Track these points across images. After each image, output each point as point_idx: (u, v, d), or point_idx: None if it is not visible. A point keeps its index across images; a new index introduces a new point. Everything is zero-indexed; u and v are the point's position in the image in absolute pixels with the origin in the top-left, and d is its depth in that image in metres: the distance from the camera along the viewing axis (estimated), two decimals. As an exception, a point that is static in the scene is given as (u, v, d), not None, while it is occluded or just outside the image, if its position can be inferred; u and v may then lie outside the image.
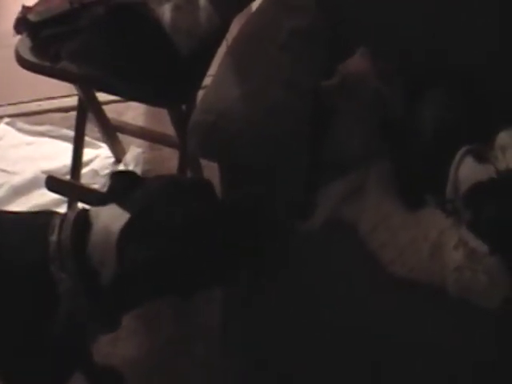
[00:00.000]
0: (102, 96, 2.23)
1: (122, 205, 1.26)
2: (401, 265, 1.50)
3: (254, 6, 1.93)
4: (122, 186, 1.34)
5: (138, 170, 2.39)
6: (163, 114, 2.02)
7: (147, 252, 1.19)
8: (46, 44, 1.79)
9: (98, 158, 2.49)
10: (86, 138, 2.35)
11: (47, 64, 1.78)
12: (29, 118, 2.68)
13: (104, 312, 1.25)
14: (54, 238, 1.23)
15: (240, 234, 1.31)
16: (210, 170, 1.74)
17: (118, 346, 1.94)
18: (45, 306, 1.23)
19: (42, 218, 1.31)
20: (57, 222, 1.26)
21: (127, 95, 2.01)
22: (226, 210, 1.32)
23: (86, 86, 2.09)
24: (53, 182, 2.18)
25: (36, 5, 1.87)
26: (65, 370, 1.34)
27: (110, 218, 1.24)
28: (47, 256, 1.22)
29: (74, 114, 2.26)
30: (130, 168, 2.40)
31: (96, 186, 2.34)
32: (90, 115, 2.26)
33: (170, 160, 2.30)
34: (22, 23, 1.82)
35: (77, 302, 1.22)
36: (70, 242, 1.22)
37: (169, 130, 2.05)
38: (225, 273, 1.33)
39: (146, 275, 1.19)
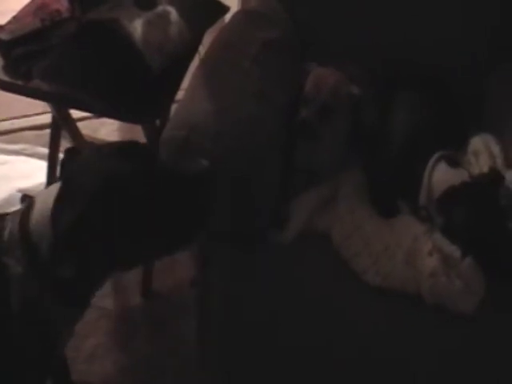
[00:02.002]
0: (76, 113, 2.24)
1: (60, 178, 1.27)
2: (375, 273, 1.52)
3: (227, 17, 1.96)
4: (67, 161, 1.35)
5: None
6: (138, 129, 2.04)
7: (69, 215, 1.16)
8: (18, 62, 1.81)
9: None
10: (61, 155, 2.37)
11: (19, 82, 1.80)
12: (3, 136, 2.68)
13: (59, 288, 1.22)
14: (6, 230, 1.23)
15: (180, 198, 1.27)
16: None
17: (94, 363, 1.94)
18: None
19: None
20: (9, 217, 1.26)
21: (99, 112, 2.04)
22: (163, 171, 1.27)
23: (59, 104, 2.10)
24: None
25: (8, 23, 1.89)
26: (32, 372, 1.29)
27: (48, 192, 1.24)
28: (1, 250, 1.22)
29: (48, 131, 2.28)
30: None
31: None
32: (65, 132, 2.28)
33: None
34: (-6, 42, 1.83)
35: (28, 286, 1.20)
36: (17, 227, 1.22)
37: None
38: (166, 240, 1.29)
39: (74, 239, 1.17)
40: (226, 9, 2.01)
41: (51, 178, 2.28)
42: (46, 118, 2.45)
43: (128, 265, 1.31)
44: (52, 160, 2.28)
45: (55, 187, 1.24)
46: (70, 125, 2.28)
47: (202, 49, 1.88)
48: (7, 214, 1.30)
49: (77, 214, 1.17)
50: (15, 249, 1.21)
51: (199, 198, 1.29)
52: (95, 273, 1.26)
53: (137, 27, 1.76)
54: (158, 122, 1.89)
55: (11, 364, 1.24)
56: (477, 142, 1.71)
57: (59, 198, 1.21)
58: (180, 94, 1.74)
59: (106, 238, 1.20)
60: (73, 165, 1.28)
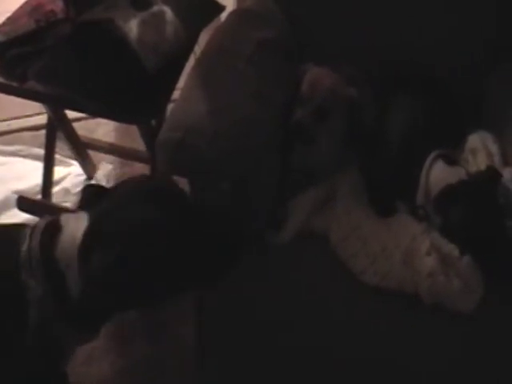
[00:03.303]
0: (72, 113, 2.26)
1: (91, 213, 1.29)
2: (373, 273, 1.53)
3: (224, 16, 1.96)
4: (92, 196, 1.37)
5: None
6: (134, 129, 2.06)
7: (104, 257, 1.20)
8: (13, 64, 1.82)
9: (70, 175, 2.51)
10: (57, 156, 2.39)
11: (14, 84, 1.81)
12: (-2, 138, 2.69)
13: (75, 316, 1.26)
14: (24, 246, 1.25)
15: (212, 238, 1.32)
16: (183, 185, 1.77)
17: (92, 365, 1.95)
18: (16, 317, 1.24)
19: (13, 229, 1.33)
20: (28, 231, 1.28)
21: (95, 113, 2.05)
22: (195, 212, 1.33)
23: (54, 105, 2.11)
24: (24, 202, 2.20)
25: (2, 25, 1.90)
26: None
27: (77, 223, 1.26)
28: (18, 265, 1.24)
29: (44, 132, 2.29)
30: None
31: (68, 205, 2.37)
32: (61, 133, 2.29)
33: None
34: (-12, 44, 1.84)
35: (46, 309, 1.23)
36: (39, 248, 1.24)
37: (140, 145, 2.07)
38: (199, 279, 1.34)
39: (105, 279, 1.20)
40: (221, 8, 2.01)
41: (47, 180, 2.30)
42: (42, 119, 2.46)
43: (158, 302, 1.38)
44: (48, 161, 2.29)
45: (84, 220, 1.26)
46: (66, 126, 2.30)
47: (198, 48, 1.88)
48: (22, 226, 1.32)
49: (115, 255, 1.20)
50: (36, 270, 1.23)
51: (228, 236, 1.35)
52: (114, 308, 1.31)
53: (132, 27, 1.77)
54: (154, 122, 1.90)
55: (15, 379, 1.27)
56: (474, 140, 1.72)
57: (88, 235, 1.24)
58: (176, 94, 1.74)
59: (141, 280, 1.23)
60: (103, 203, 1.30)
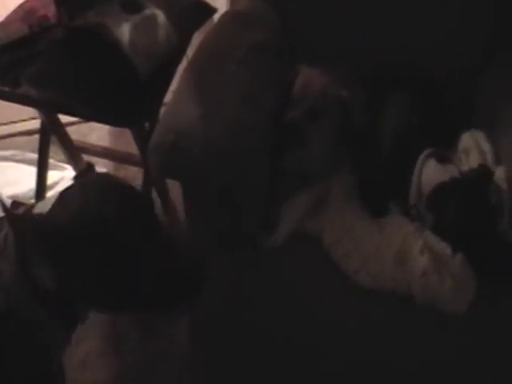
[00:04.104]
0: (65, 118, 2.26)
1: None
2: (365, 274, 1.54)
3: (216, 18, 1.98)
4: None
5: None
6: (127, 133, 2.06)
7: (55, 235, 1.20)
8: (6, 69, 1.84)
9: (64, 180, 2.51)
10: (51, 161, 2.40)
11: (7, 89, 1.83)
12: (-8, 142, 2.70)
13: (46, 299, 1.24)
14: (3, 233, 1.26)
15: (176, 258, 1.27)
16: (177, 188, 1.79)
17: (86, 370, 1.96)
18: None
19: None
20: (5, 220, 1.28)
21: (88, 117, 2.07)
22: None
23: (47, 110, 2.13)
24: (18, 207, 2.22)
25: (-5, 30, 1.92)
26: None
27: (45, 203, 1.26)
28: None
29: (38, 137, 2.30)
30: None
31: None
32: (54, 138, 2.31)
33: (135, 179, 2.30)
34: (-19, 50, 1.85)
35: (16, 291, 1.23)
36: (13, 232, 1.24)
37: (134, 148, 2.09)
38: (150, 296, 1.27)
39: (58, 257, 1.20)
40: (213, 10, 2.04)
41: (41, 184, 2.31)
42: (36, 124, 2.46)
43: (107, 308, 1.33)
44: (41, 166, 2.31)
45: (53, 199, 1.26)
46: (59, 130, 2.31)
47: (191, 51, 1.89)
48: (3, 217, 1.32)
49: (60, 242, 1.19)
50: (9, 252, 1.24)
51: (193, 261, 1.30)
52: (76, 298, 1.28)
53: (124, 32, 1.79)
54: (146, 125, 1.92)
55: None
56: (467, 139, 1.73)
57: (50, 213, 1.24)
58: (169, 96, 1.75)
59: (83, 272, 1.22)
60: (73, 186, 1.31)
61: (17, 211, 1.31)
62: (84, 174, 1.38)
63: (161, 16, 1.88)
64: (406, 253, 1.54)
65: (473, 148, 1.71)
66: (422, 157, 1.68)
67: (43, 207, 1.26)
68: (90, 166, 1.41)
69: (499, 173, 1.61)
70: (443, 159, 1.69)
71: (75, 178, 1.39)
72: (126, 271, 1.22)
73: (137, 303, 1.27)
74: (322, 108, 1.69)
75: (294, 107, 1.69)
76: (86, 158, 2.49)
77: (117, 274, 1.22)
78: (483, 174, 1.61)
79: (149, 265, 1.23)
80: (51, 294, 1.23)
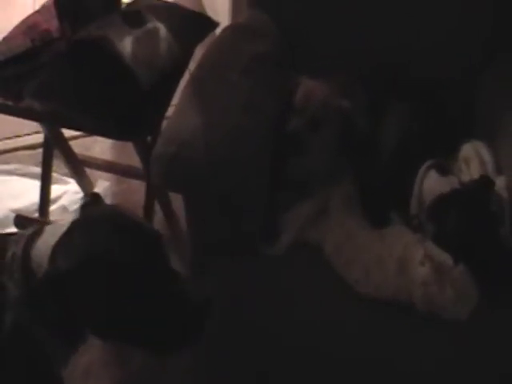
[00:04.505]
0: (68, 131, 2.29)
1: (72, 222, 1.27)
2: (367, 283, 1.55)
3: (218, 31, 2.00)
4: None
5: (107, 204, 2.43)
6: (130, 146, 2.07)
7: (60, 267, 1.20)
8: (9, 83, 1.85)
9: (67, 193, 2.53)
10: (54, 175, 2.42)
11: (10, 103, 1.85)
12: (-5, 157, 2.72)
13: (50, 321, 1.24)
14: (10, 252, 1.27)
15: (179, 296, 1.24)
16: (179, 201, 1.80)
17: (89, 380, 1.95)
18: None
19: (3, 236, 1.35)
20: (15, 237, 1.30)
21: (90, 131, 2.09)
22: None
23: (50, 123, 2.15)
24: (21, 221, 2.21)
25: (-2, 45, 1.94)
26: None
27: (58, 227, 1.27)
28: (1, 269, 1.25)
29: (41, 150, 2.33)
30: (99, 202, 2.43)
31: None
32: (57, 151, 2.32)
33: (137, 192, 2.33)
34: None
35: (22, 311, 1.23)
36: (21, 252, 1.25)
37: (137, 162, 2.11)
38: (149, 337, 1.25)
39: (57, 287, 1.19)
40: (215, 24, 2.06)
41: (44, 198, 2.33)
42: (39, 138, 2.50)
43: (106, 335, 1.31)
44: (45, 180, 2.32)
45: (66, 224, 1.27)
46: (62, 144, 2.33)
47: (193, 64, 1.91)
48: (11, 235, 1.34)
49: (63, 270, 1.19)
50: (15, 272, 1.25)
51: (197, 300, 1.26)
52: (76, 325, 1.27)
53: (126, 45, 1.80)
54: (149, 138, 1.93)
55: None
56: (468, 149, 1.75)
57: (61, 240, 1.24)
58: (171, 110, 1.76)
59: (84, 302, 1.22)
60: (81, 222, 1.29)
61: (26, 229, 1.32)
62: (90, 204, 1.38)
63: (163, 29, 1.90)
64: (407, 262, 1.55)
65: (473, 158, 1.72)
66: (423, 168, 1.69)
67: (53, 232, 1.26)
68: (97, 197, 1.40)
69: (500, 182, 1.63)
70: (444, 170, 1.71)
71: (81, 208, 1.37)
72: (133, 310, 1.21)
73: (140, 340, 1.26)
74: (323, 118, 1.70)
75: (295, 117, 1.70)
76: (89, 171, 2.52)
77: (124, 313, 1.21)
78: (484, 184, 1.62)
79: (155, 306, 1.22)
80: (54, 318, 1.23)
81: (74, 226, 1.26)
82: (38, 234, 1.29)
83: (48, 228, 1.30)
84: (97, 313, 1.22)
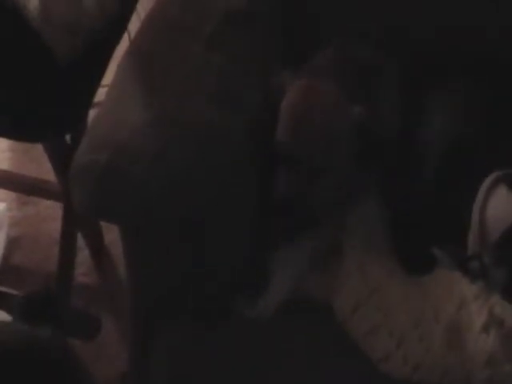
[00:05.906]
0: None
1: None
2: (401, 361, 1.55)
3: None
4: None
5: (2, 237, 2.41)
6: (40, 150, 2.07)
7: None
8: None
9: None
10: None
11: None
12: None
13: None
14: None
15: None
16: (113, 233, 1.78)
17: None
18: None
19: None
20: None
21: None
22: None
23: None
24: None
25: None
26: None
27: None
28: None
29: None
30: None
31: None
32: None
33: (50, 220, 2.36)
34: None
35: None
36: None
37: (50, 173, 2.12)
38: None
39: None
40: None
41: None
42: None
43: None
44: None
45: None
46: None
47: (135, 25, 1.92)
48: None
49: None
50: None
51: None
52: None
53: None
54: (68, 138, 1.94)
55: None
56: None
57: None
58: (101, 95, 1.74)
59: None
60: None
61: None
62: None
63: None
64: (462, 329, 1.56)
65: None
66: (486, 182, 1.69)
67: None
68: None
69: None
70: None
71: None
72: None
73: None
74: (327, 161, 1.65)
75: (283, 169, 1.66)
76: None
77: None
78: None
79: None
80: None
81: None
82: None
83: None
84: None
